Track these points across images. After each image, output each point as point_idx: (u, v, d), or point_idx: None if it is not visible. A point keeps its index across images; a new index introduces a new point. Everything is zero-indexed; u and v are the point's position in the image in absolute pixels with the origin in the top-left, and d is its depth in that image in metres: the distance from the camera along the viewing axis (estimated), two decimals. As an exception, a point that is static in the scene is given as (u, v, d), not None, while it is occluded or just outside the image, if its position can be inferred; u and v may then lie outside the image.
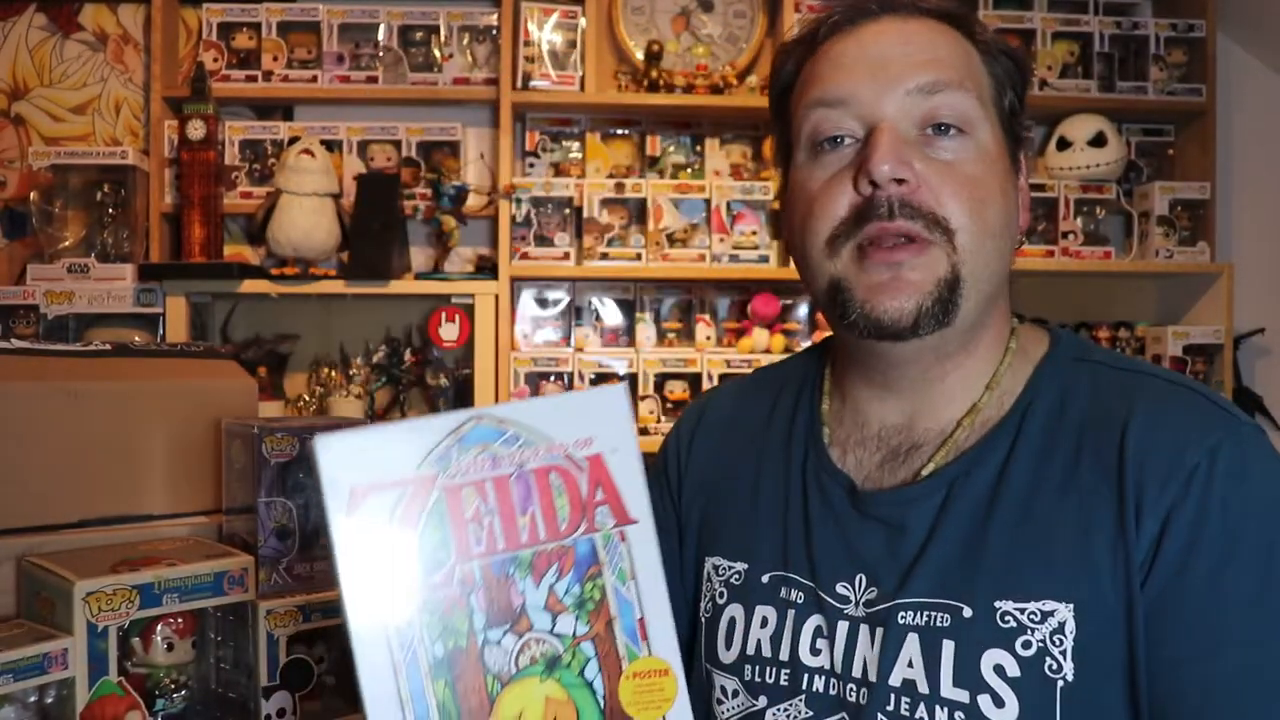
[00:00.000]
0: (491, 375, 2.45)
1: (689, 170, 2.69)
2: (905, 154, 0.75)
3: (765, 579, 0.85)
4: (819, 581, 0.81)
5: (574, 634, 0.62)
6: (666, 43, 2.63)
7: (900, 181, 0.74)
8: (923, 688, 0.74)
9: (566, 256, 2.53)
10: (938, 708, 0.73)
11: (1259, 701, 0.68)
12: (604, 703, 0.62)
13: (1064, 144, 2.65)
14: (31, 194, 2.55)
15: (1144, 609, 0.70)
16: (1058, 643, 0.71)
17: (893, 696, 0.75)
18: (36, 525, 1.08)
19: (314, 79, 2.57)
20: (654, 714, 0.63)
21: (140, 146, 2.62)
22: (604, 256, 2.54)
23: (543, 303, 2.67)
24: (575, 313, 2.67)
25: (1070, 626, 0.71)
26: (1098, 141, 2.62)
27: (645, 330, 2.63)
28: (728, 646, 0.85)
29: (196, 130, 2.43)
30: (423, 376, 2.58)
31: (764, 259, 2.54)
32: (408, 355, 2.59)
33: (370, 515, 0.57)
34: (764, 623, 0.83)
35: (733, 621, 0.86)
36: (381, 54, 2.59)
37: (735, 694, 0.84)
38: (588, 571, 0.63)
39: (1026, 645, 0.71)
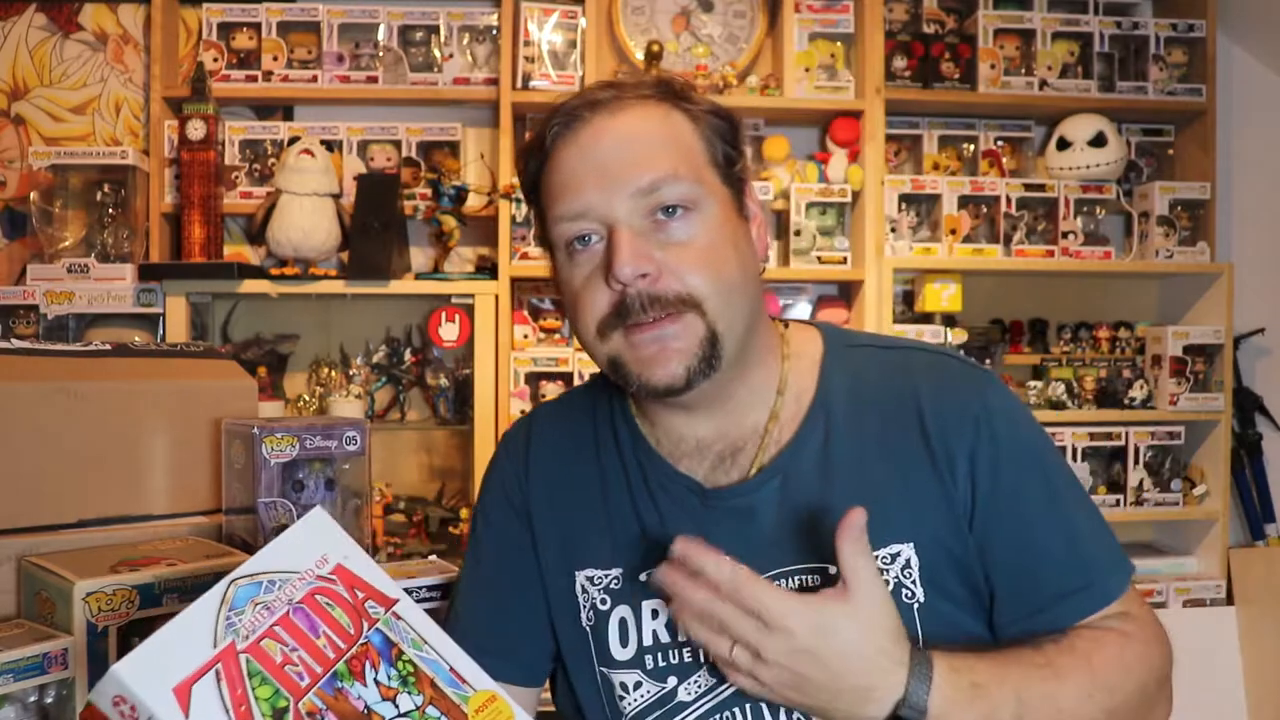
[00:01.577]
0: (491, 375, 2.45)
1: (689, 170, 2.68)
2: (642, 249, 0.85)
3: (644, 577, 0.92)
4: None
5: (417, 706, 0.72)
6: (666, 43, 2.63)
7: (644, 275, 0.85)
8: None
9: (566, 256, 2.52)
10: None
11: (1070, 562, 0.88)
12: None
13: (1064, 144, 2.65)
14: (31, 194, 2.55)
15: (975, 528, 0.88)
16: (908, 575, 0.87)
17: None
18: (36, 525, 1.08)
19: (314, 79, 2.57)
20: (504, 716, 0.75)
21: (140, 146, 2.62)
22: (604, 256, 2.53)
23: (543, 302, 2.67)
24: (575, 313, 2.66)
25: (914, 560, 0.87)
26: (1098, 141, 2.62)
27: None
28: (623, 644, 0.93)
29: (196, 130, 2.43)
30: (423, 376, 2.58)
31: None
32: (408, 355, 2.59)
33: (205, 704, 0.62)
34: (655, 614, 0.92)
35: (623, 621, 0.93)
36: (381, 54, 2.59)
37: (638, 685, 0.92)
38: (392, 654, 0.74)
39: (885, 583, 0.83)
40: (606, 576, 0.95)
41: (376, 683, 0.71)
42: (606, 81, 0.93)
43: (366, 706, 0.69)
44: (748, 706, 0.88)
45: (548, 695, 1.06)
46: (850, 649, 0.76)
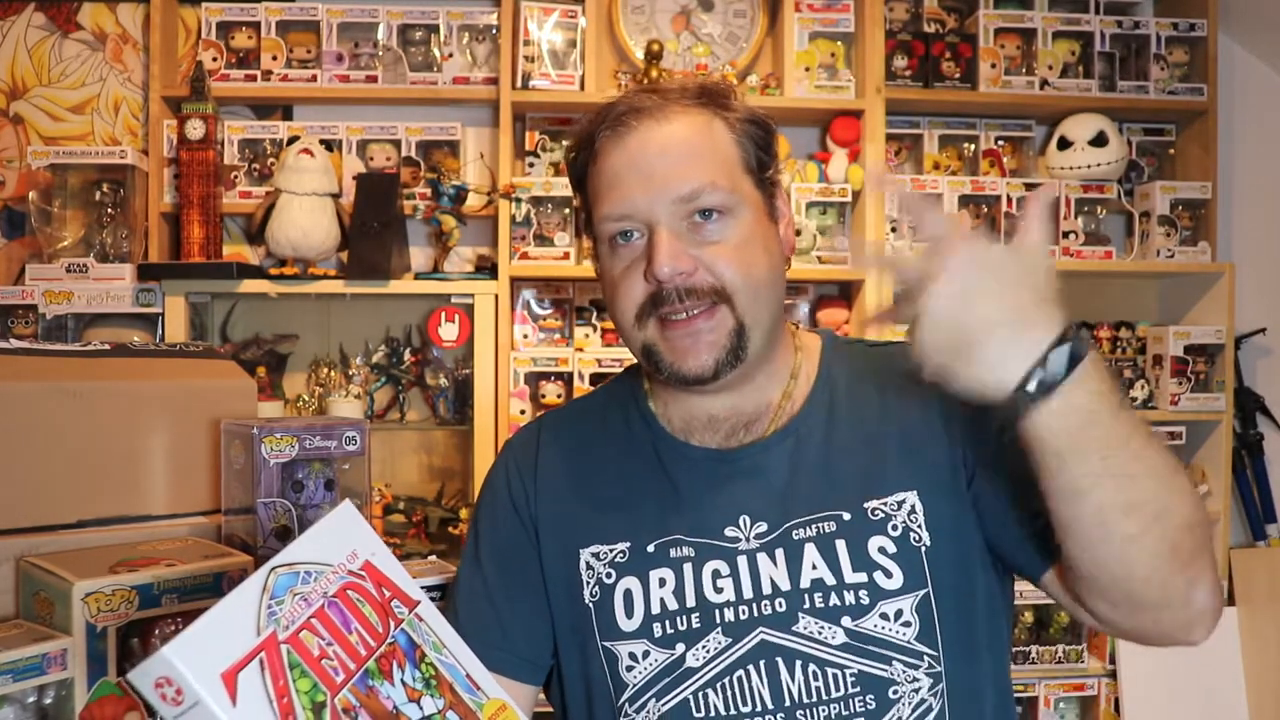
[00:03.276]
0: (491, 375, 2.44)
1: (689, 170, 2.67)
2: (680, 248, 0.93)
3: (651, 548, 0.98)
4: (706, 533, 0.97)
5: (438, 710, 0.73)
6: (666, 42, 2.62)
7: (680, 272, 0.92)
8: (830, 580, 0.92)
9: (566, 256, 2.53)
10: (846, 592, 0.92)
11: None
12: None
13: (1065, 143, 2.64)
14: (30, 193, 2.55)
15: (971, 471, 0.94)
16: (914, 520, 0.94)
17: (806, 596, 0.92)
18: (36, 525, 1.07)
19: (313, 78, 2.56)
20: None
21: (139, 146, 2.62)
22: (604, 256, 2.53)
23: (543, 302, 2.67)
24: (575, 313, 2.66)
25: (919, 506, 0.94)
26: (1099, 141, 2.61)
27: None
28: (629, 615, 0.96)
29: (195, 130, 2.42)
30: (422, 376, 2.57)
31: (764, 259, 2.53)
32: (407, 355, 2.58)
33: (250, 692, 0.62)
34: (662, 583, 0.96)
35: (629, 593, 0.97)
36: (381, 53, 2.59)
37: (646, 654, 0.95)
38: (416, 655, 0.74)
39: (894, 528, 0.94)
40: (612, 551, 0.99)
41: (403, 683, 0.72)
42: (652, 87, 1.00)
43: (395, 706, 0.70)
44: (762, 664, 0.91)
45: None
46: (1025, 273, 0.78)
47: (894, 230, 2.60)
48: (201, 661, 0.61)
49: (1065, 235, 2.61)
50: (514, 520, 1.05)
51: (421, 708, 0.72)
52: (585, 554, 1.00)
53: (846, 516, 0.94)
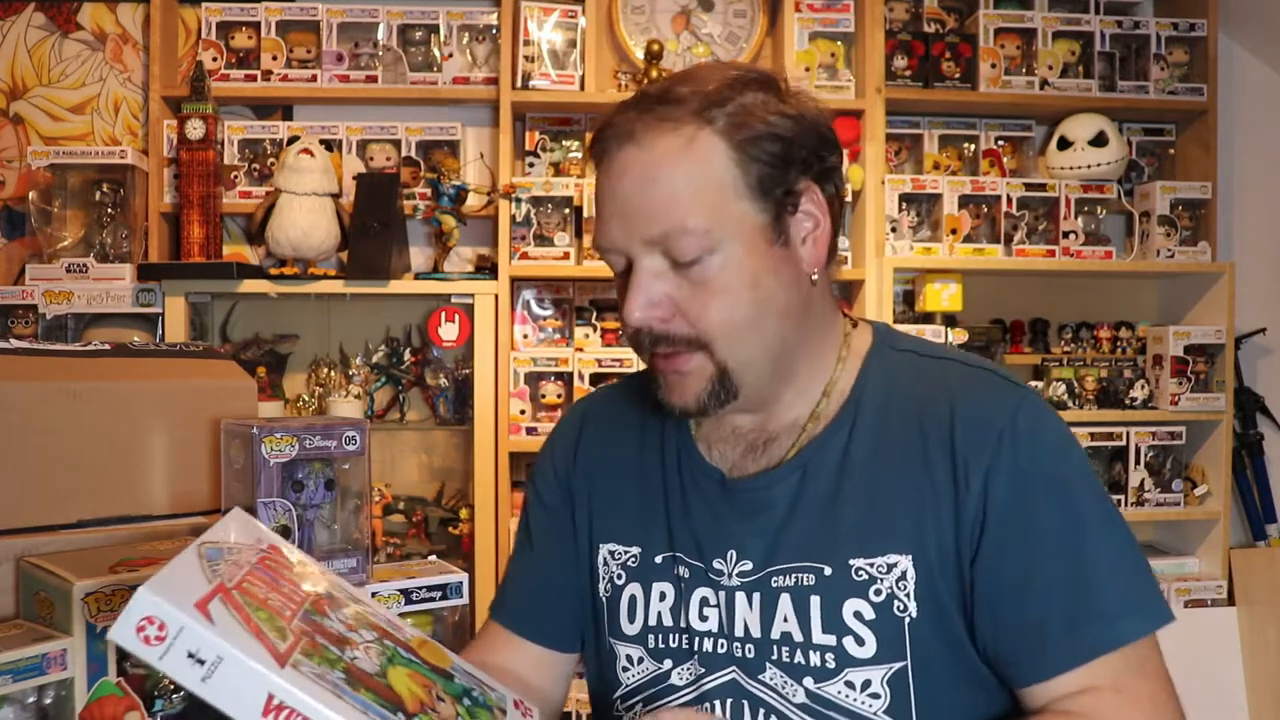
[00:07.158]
0: (491, 375, 2.44)
1: (689, 170, 2.67)
2: (655, 293, 0.86)
3: (658, 559, 0.97)
4: (700, 558, 0.95)
5: (375, 638, 0.80)
6: (666, 42, 2.62)
7: (656, 317, 0.87)
8: (798, 637, 0.88)
9: (566, 256, 2.53)
10: (812, 652, 0.87)
11: (1069, 603, 0.83)
12: (422, 661, 0.81)
13: (1065, 143, 2.64)
14: (30, 193, 2.55)
15: (980, 550, 0.85)
16: (902, 588, 0.86)
17: (774, 648, 0.89)
18: (36, 525, 1.07)
19: (313, 78, 2.57)
20: (441, 652, 0.85)
21: (139, 146, 2.62)
22: (604, 256, 2.53)
23: (543, 302, 2.67)
24: (575, 313, 2.66)
25: (911, 573, 0.86)
26: (1099, 141, 2.61)
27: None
28: (630, 620, 0.97)
29: (195, 130, 2.42)
30: (422, 376, 2.58)
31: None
32: (407, 355, 2.58)
33: (223, 618, 0.68)
34: (662, 597, 0.96)
35: (633, 599, 0.98)
36: (381, 53, 2.59)
37: (640, 660, 0.97)
38: (339, 604, 0.82)
39: (878, 593, 0.86)
40: (625, 554, 1.00)
41: (340, 620, 0.78)
42: (649, 93, 0.87)
43: (340, 633, 0.76)
44: (729, 702, 0.91)
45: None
46: None
47: (893, 230, 2.60)
48: (174, 596, 0.66)
49: (1065, 235, 2.61)
50: (556, 491, 1.07)
51: (361, 635, 0.78)
52: (604, 549, 1.01)
53: (827, 571, 0.87)
